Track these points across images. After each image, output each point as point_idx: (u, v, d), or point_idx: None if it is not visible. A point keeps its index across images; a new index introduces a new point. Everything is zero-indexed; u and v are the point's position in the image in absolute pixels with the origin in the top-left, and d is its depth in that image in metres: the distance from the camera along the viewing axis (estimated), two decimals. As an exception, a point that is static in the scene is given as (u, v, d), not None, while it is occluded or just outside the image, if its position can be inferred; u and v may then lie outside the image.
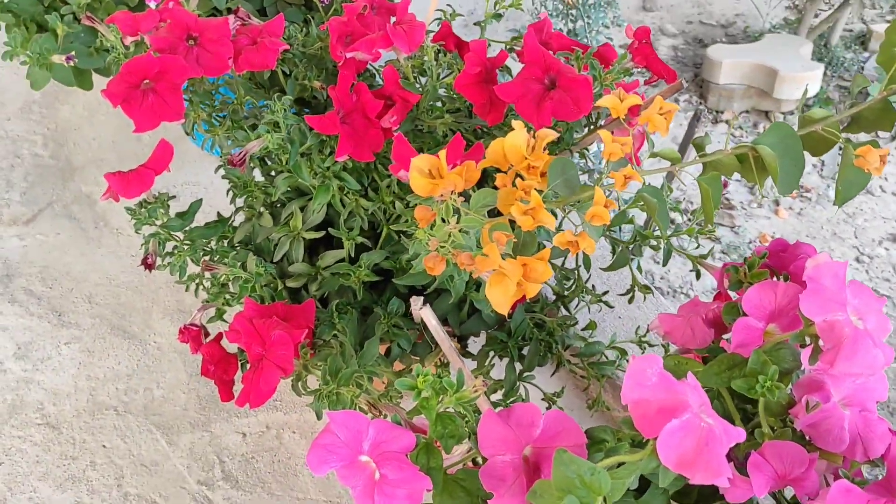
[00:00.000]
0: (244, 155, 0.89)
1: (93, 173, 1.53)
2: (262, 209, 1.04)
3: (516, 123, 0.71)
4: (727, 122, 2.37)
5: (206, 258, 0.95)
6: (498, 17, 1.17)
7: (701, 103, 2.79)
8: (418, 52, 0.96)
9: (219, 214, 1.08)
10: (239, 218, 1.08)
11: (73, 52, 1.08)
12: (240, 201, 1.07)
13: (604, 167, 0.70)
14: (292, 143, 0.92)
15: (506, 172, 0.68)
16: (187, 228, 0.98)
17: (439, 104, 0.97)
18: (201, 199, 1.00)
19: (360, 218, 0.96)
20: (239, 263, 0.90)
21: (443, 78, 0.96)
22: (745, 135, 2.30)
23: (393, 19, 0.97)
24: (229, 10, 1.22)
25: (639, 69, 0.92)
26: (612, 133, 0.80)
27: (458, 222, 0.64)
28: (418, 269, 0.70)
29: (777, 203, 2.03)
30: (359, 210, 0.96)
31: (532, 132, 0.70)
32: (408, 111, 0.95)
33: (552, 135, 0.70)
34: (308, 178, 0.94)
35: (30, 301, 1.33)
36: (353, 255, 0.95)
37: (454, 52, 1.05)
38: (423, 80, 0.97)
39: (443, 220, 0.65)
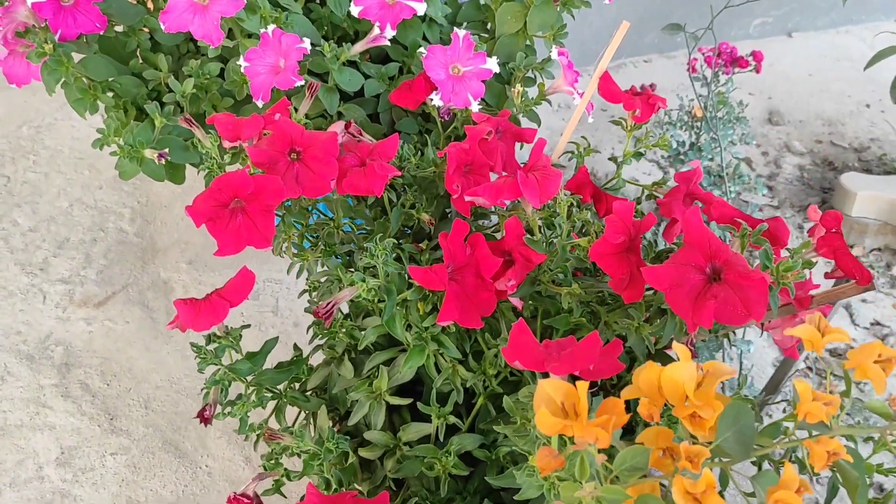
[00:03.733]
0: (331, 307, 0.77)
1: (175, 257, 1.46)
2: (343, 353, 0.92)
3: (680, 349, 0.55)
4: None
5: (270, 424, 0.82)
6: (639, 156, 1.03)
7: (830, 236, 2.56)
8: (549, 203, 0.82)
9: (295, 347, 0.95)
10: (317, 357, 0.95)
11: (166, 149, 1.00)
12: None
13: (792, 427, 0.54)
14: (389, 293, 0.79)
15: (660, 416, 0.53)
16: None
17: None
18: (276, 339, 0.88)
19: (456, 389, 0.82)
20: (308, 436, 0.77)
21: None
22: (877, 275, 2.08)
23: (520, 152, 0.84)
24: (340, 115, 1.12)
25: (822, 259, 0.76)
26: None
27: (594, 488, 0.48)
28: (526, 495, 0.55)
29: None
30: (455, 379, 0.82)
31: (700, 369, 0.54)
32: (528, 272, 0.81)
33: (728, 371, 0.55)
34: (403, 334, 0.81)
35: (84, 398, 1.24)
36: (441, 435, 0.80)
37: (590, 204, 0.91)
38: (548, 232, 0.84)
39: (573, 479, 0.50)
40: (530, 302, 0.84)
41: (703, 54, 2.30)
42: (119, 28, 1.19)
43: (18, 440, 1.18)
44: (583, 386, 0.52)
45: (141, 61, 1.20)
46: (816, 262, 0.75)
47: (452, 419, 0.80)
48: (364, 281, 0.78)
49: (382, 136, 1.20)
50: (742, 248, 0.75)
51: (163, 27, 1.03)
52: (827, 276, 0.78)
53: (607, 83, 1.00)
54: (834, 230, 0.73)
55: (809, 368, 2.25)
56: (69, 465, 1.15)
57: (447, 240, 0.79)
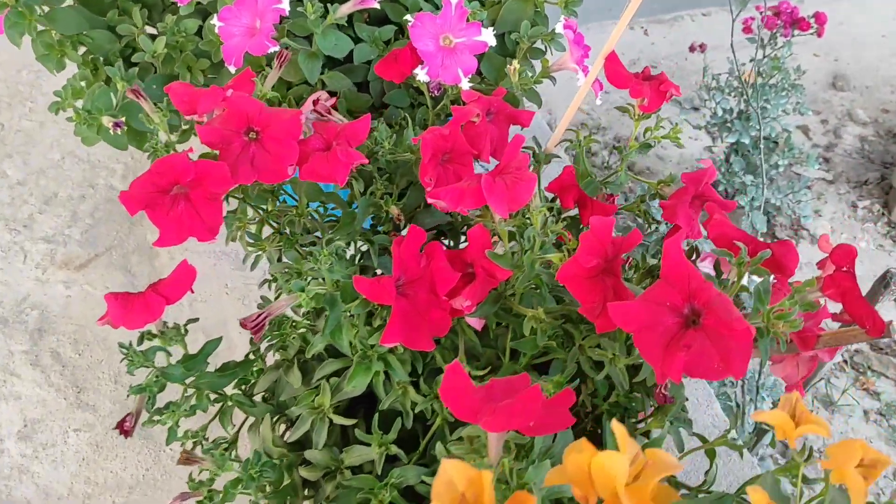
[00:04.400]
0: (262, 319, 0.69)
1: (165, 218, 1.38)
2: (295, 357, 0.84)
3: (617, 430, 0.47)
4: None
5: (190, 443, 0.75)
6: (647, 147, 0.91)
7: (884, 213, 2.39)
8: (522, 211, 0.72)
9: (252, 343, 0.88)
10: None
11: (123, 118, 0.92)
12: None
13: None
14: (333, 304, 0.71)
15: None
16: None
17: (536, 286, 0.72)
18: (220, 339, 0.80)
19: (405, 412, 0.74)
20: (233, 457, 0.70)
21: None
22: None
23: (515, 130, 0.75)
24: (324, 85, 1.02)
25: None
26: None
27: None
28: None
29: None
30: (405, 402, 0.74)
31: (634, 457, 0.45)
32: (492, 289, 0.71)
33: (672, 466, 0.45)
34: (348, 348, 0.72)
35: (54, 367, 1.20)
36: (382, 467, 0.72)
37: (571, 211, 0.81)
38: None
39: None
40: (496, 327, 0.75)
41: (762, 13, 2.11)
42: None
43: (-18, 409, 1.15)
44: (487, 477, 0.43)
45: (120, 13, 1.11)
46: (822, 304, 0.64)
47: (395, 449, 0.72)
48: (303, 290, 0.69)
49: (370, 109, 1.10)
50: (739, 279, 0.65)
51: (126, -19, 0.94)
52: (835, 318, 0.66)
53: (614, 65, 0.88)
54: (845, 268, 0.62)
55: (845, 362, 2.11)
56: (30, 439, 1.11)
57: (400, 248, 0.70)
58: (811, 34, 2.04)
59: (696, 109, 2.83)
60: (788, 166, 2.38)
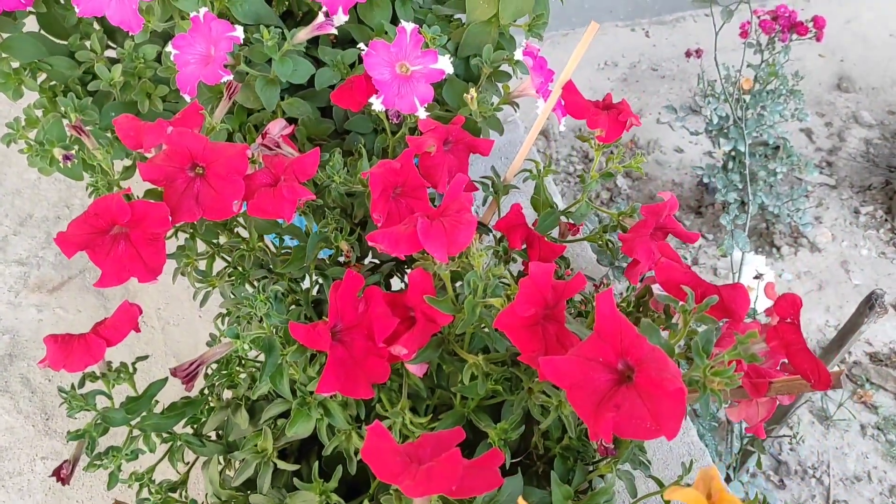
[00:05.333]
0: (195, 367, 0.67)
1: (141, 238, 1.38)
2: (244, 397, 0.83)
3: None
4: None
5: (158, 471, 0.74)
6: (608, 176, 0.90)
7: (887, 219, 2.35)
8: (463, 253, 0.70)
9: (206, 377, 0.87)
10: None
11: (75, 149, 0.91)
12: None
13: None
14: (270, 349, 0.69)
15: None
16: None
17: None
18: (165, 380, 0.79)
19: (349, 458, 0.72)
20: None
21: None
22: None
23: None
24: (283, 112, 1.01)
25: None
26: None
27: None
28: None
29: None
30: (349, 447, 0.72)
31: None
32: (431, 335, 0.70)
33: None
34: (289, 393, 0.71)
35: (23, 394, 1.19)
36: None
37: (518, 252, 0.79)
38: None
39: None
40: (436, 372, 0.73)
41: (759, 17, 2.08)
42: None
43: (-51, 437, 1.15)
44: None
45: (81, 37, 1.10)
46: (764, 358, 0.62)
47: (336, 498, 0.70)
48: (238, 337, 0.68)
49: (334, 134, 1.09)
50: (685, 326, 0.63)
51: (76, 10, 0.93)
52: (783, 367, 0.64)
53: (571, 94, 0.86)
54: (790, 319, 0.60)
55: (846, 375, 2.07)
56: (-4, 468, 1.12)
57: (336, 294, 0.69)
58: (810, 38, 2.00)
59: (696, 112, 2.79)
60: (789, 171, 2.35)
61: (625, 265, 1.21)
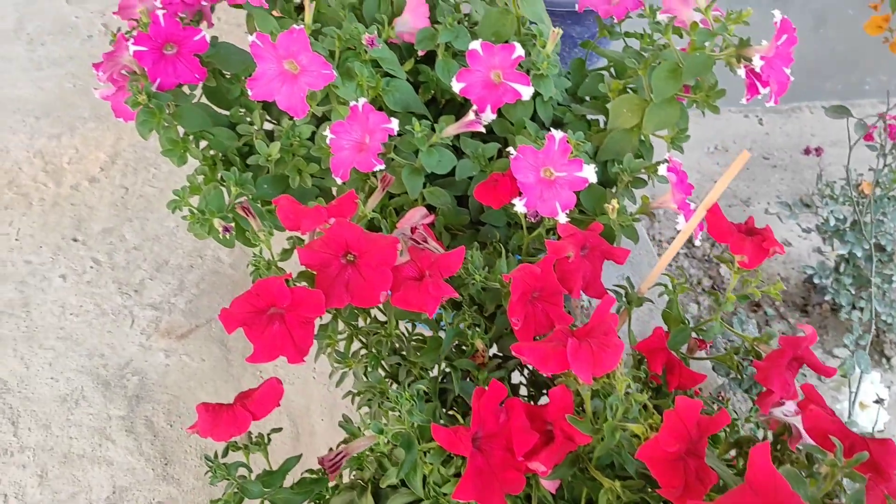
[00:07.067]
0: (339, 458, 0.70)
1: (265, 294, 1.44)
2: (369, 480, 0.85)
3: None
4: None
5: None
6: (744, 298, 0.89)
7: None
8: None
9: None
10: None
11: (233, 223, 0.96)
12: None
13: None
14: (409, 446, 0.72)
15: None
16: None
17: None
18: (299, 457, 0.82)
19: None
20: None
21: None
22: None
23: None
24: (423, 199, 1.05)
25: None
26: None
27: None
28: None
29: None
30: (472, 550, 0.73)
31: None
32: (570, 451, 0.70)
33: None
34: (420, 489, 0.73)
35: (146, 436, 1.25)
36: None
37: (658, 375, 0.79)
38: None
39: None
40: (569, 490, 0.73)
41: (886, 121, 2.03)
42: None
43: (77, 471, 1.20)
44: None
45: (243, 111, 1.17)
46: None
47: None
48: (381, 432, 0.71)
49: (469, 224, 1.12)
50: (831, 479, 0.62)
51: (249, 94, 1.00)
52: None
53: (716, 217, 0.86)
54: None
55: None
56: (116, 507, 1.17)
57: (479, 402, 0.71)
58: (934, 149, 1.94)
59: (807, 206, 2.73)
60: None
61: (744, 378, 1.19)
